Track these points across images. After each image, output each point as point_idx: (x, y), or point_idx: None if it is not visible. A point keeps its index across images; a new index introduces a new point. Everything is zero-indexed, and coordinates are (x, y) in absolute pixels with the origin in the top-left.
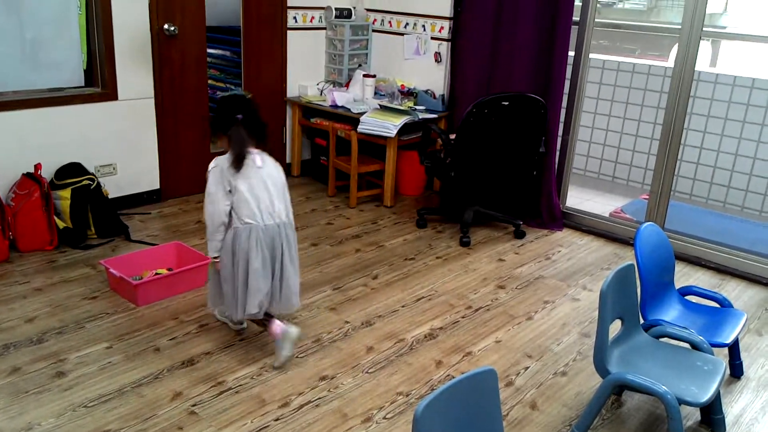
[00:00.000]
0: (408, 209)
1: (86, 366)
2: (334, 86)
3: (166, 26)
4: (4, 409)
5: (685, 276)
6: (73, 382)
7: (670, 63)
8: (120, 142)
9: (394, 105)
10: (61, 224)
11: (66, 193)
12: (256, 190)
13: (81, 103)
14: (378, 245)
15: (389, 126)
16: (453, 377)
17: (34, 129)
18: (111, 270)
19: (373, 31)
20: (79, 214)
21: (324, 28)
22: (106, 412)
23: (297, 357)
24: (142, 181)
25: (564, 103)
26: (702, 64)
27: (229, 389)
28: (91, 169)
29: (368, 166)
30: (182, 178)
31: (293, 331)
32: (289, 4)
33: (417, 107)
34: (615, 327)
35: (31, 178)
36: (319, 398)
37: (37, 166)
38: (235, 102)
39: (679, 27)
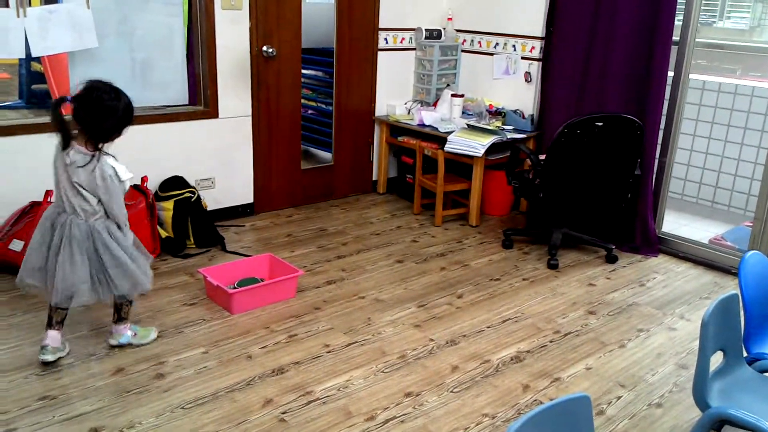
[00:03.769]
0: (493, 229)
1: (184, 369)
2: (422, 105)
3: (264, 48)
4: (108, 407)
5: None
6: (171, 384)
7: None
8: (219, 157)
9: (482, 125)
10: (163, 234)
11: (169, 205)
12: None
13: (185, 121)
14: (463, 264)
15: (477, 145)
16: (541, 402)
17: (141, 144)
18: (208, 278)
19: (463, 51)
20: (180, 225)
21: (413, 49)
22: (201, 415)
23: (383, 371)
24: (237, 195)
25: (661, 125)
26: None
27: (317, 399)
28: (192, 183)
29: (454, 185)
30: (274, 193)
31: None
32: (380, 26)
33: (505, 127)
34: (715, 360)
35: (138, 189)
36: (404, 414)
37: (144, 179)
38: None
39: None
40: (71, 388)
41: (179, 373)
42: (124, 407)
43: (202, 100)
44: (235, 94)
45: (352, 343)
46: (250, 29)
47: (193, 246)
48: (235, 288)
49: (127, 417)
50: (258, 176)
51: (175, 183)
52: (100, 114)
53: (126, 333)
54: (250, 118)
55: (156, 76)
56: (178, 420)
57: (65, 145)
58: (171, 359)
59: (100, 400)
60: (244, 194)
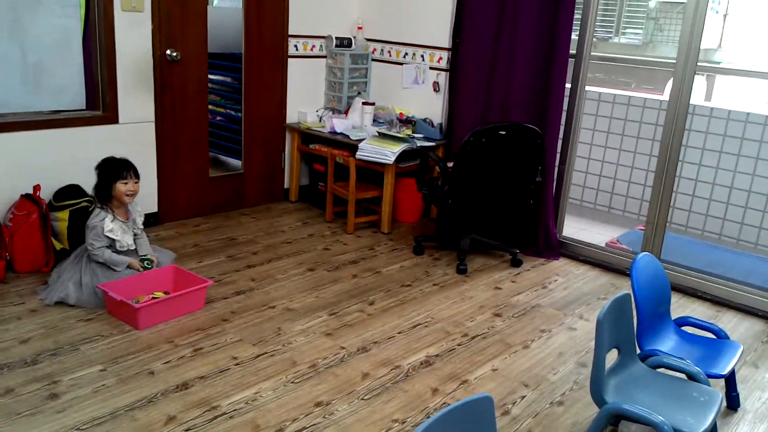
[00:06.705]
0: (405, 236)
1: (80, 388)
2: (333, 113)
3: (168, 52)
4: None
5: (681, 307)
6: (66, 405)
7: (665, 96)
8: None
9: (393, 132)
10: (58, 246)
11: (64, 215)
12: None
13: (82, 126)
14: (375, 271)
15: (387, 153)
16: (449, 405)
17: (34, 151)
18: (110, 293)
19: (373, 60)
20: (76, 236)
21: (324, 57)
22: None
23: (293, 382)
24: (139, 205)
25: (560, 134)
26: (697, 97)
27: (224, 414)
28: (89, 191)
29: (366, 193)
30: (180, 201)
31: None
32: (290, 33)
33: (415, 135)
34: (611, 357)
35: (30, 199)
36: (314, 424)
37: (36, 188)
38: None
39: (674, 61)
40: None
41: (75, 392)
42: (14, 431)
43: (100, 105)
44: (136, 99)
45: (261, 355)
46: (153, 32)
47: None
48: (137, 302)
49: None
50: (162, 184)
51: (71, 192)
52: None
53: None
54: (153, 124)
55: (51, 79)
56: None
57: None
58: (65, 378)
59: None
60: (148, 203)
